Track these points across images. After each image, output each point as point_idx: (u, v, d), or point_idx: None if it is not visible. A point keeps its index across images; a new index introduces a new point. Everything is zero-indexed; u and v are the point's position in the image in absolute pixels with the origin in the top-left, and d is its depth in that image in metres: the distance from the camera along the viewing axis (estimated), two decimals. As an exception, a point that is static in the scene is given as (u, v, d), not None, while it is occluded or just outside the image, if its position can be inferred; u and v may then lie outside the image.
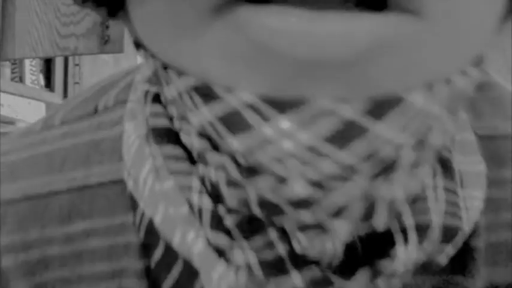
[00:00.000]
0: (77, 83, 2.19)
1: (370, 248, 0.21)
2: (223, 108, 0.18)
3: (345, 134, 0.18)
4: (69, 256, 0.25)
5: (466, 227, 0.22)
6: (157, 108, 0.23)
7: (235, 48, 0.17)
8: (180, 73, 0.19)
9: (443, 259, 0.22)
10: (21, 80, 1.99)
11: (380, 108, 0.18)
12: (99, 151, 0.26)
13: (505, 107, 0.28)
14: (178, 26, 0.18)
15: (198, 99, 0.19)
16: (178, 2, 0.18)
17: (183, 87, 0.19)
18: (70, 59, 2.18)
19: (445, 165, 0.23)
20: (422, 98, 0.18)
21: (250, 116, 0.18)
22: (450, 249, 0.22)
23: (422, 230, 0.21)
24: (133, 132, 0.24)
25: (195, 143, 0.21)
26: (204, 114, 0.19)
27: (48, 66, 2.12)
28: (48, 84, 2.11)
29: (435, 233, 0.22)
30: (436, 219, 0.22)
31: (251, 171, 0.20)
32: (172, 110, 0.22)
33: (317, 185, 0.19)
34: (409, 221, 0.21)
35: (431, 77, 0.19)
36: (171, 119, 0.23)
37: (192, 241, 0.21)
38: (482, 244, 0.24)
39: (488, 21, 0.19)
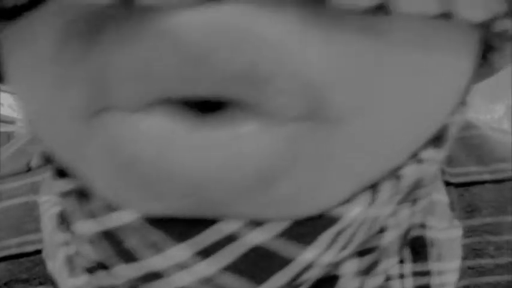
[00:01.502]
0: (77, 82, 2.18)
1: None
2: (103, 227, 0.16)
3: (261, 265, 0.15)
4: None
5: None
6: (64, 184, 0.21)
7: (112, 163, 0.14)
8: (61, 172, 0.17)
9: None
10: (21, 79, 1.98)
11: (308, 231, 0.15)
12: (33, 217, 0.25)
13: (479, 149, 0.27)
14: (57, 130, 0.15)
15: (78, 208, 0.16)
16: (54, 107, 0.15)
17: (65, 189, 0.17)
18: (70, 58, 2.17)
19: (416, 245, 0.22)
20: (360, 208, 0.16)
21: (135, 243, 0.15)
22: None
23: None
24: (47, 210, 0.22)
25: (88, 252, 0.18)
26: (86, 228, 0.16)
27: (48, 65, 2.11)
28: (48, 83, 2.10)
29: None
30: None
31: None
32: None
33: None
34: None
35: (361, 183, 0.16)
36: None
37: None
38: None
39: (442, 102, 0.16)
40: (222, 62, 0.12)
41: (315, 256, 0.15)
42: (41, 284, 0.24)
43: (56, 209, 0.21)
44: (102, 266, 0.18)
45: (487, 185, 0.26)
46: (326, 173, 0.15)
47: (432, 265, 0.22)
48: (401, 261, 0.21)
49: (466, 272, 0.24)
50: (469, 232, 0.25)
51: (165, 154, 0.13)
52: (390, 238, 0.19)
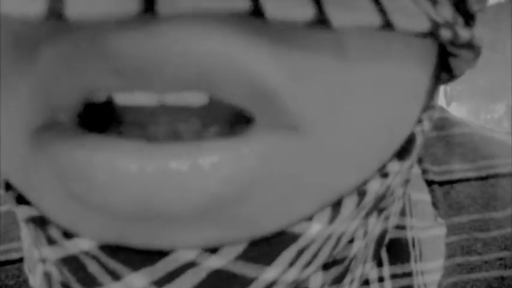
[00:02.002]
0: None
1: None
2: (64, 254, 0.15)
3: None
4: None
5: None
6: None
7: (62, 193, 0.14)
8: (19, 199, 0.17)
9: None
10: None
11: (268, 250, 0.15)
12: (17, 224, 0.25)
13: (462, 147, 0.27)
14: (5, 157, 0.15)
15: (41, 236, 0.16)
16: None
17: (23, 217, 0.17)
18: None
19: (394, 247, 0.22)
20: (321, 225, 0.15)
21: (95, 270, 0.15)
22: None
23: None
24: (23, 226, 0.22)
25: (54, 273, 0.18)
26: (47, 253, 0.16)
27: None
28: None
29: None
30: None
31: None
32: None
33: None
34: None
35: (325, 201, 0.15)
36: None
37: None
38: None
39: (399, 121, 0.16)
40: (169, 75, 0.11)
41: (277, 275, 0.15)
42: None
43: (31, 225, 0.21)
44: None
45: (472, 182, 0.26)
46: (292, 192, 0.14)
47: (414, 265, 0.22)
48: (380, 265, 0.21)
49: (454, 269, 0.24)
50: (456, 230, 0.25)
51: (117, 183, 0.12)
52: (357, 248, 0.18)
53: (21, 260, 0.25)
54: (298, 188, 0.14)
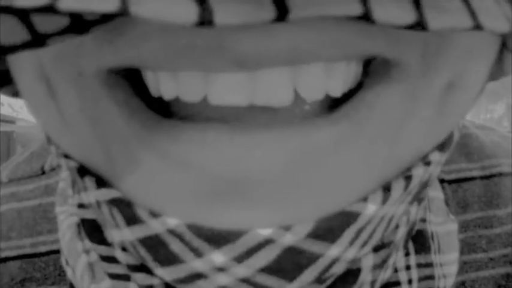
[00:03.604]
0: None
1: None
2: (147, 233, 0.17)
3: (292, 264, 0.16)
4: None
5: None
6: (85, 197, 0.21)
7: (158, 172, 0.16)
8: (100, 182, 0.18)
9: None
10: (21, 79, 1.99)
11: (333, 229, 0.16)
12: (47, 218, 0.26)
13: (468, 147, 0.28)
14: (98, 137, 0.16)
15: (119, 217, 0.17)
16: (98, 117, 0.16)
17: (102, 199, 0.18)
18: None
19: (419, 238, 0.22)
20: (375, 205, 0.17)
21: (178, 248, 0.16)
22: None
23: None
24: (64, 220, 0.23)
25: (119, 256, 0.19)
26: (125, 235, 0.17)
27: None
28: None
29: None
30: None
31: None
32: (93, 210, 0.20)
33: None
34: None
35: (379, 181, 0.17)
36: None
37: None
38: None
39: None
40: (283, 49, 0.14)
41: (339, 252, 0.17)
42: (53, 284, 0.25)
43: (73, 219, 0.22)
44: (136, 269, 0.19)
45: (476, 181, 0.27)
46: (352, 167, 0.16)
47: (434, 257, 0.23)
48: (407, 254, 0.22)
49: (462, 267, 0.25)
50: (462, 227, 0.26)
51: (225, 161, 0.15)
52: (401, 234, 0.19)
53: (48, 253, 0.25)
54: (361, 163, 0.16)
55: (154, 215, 0.16)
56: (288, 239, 0.16)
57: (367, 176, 0.16)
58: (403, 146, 0.17)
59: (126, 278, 0.20)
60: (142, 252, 0.17)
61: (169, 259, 0.17)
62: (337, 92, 0.16)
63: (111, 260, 0.20)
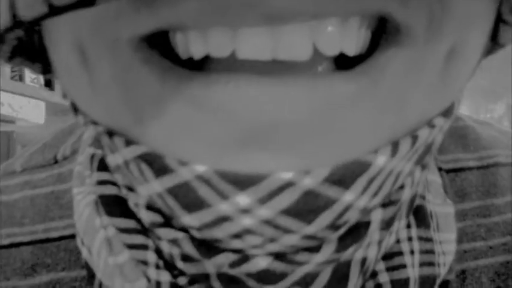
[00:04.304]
0: (77, 82, 2.18)
1: None
2: (176, 182, 0.18)
3: (311, 207, 0.17)
4: None
5: (442, 271, 0.23)
6: (104, 175, 0.23)
7: (190, 120, 0.17)
8: (128, 142, 0.19)
9: None
10: (20, 78, 1.99)
11: (347, 176, 0.17)
12: (59, 204, 0.27)
13: (465, 138, 0.29)
14: (128, 101, 0.18)
15: (147, 171, 0.18)
16: (129, 83, 0.17)
17: (131, 156, 0.18)
18: (70, 58, 2.17)
19: (419, 213, 0.23)
20: (385, 157, 0.18)
21: (205, 192, 0.17)
22: None
23: (399, 286, 0.22)
24: (82, 200, 0.23)
25: (143, 216, 0.20)
26: (153, 187, 0.18)
27: (48, 65, 2.11)
28: (48, 83, 2.11)
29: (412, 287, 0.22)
30: (413, 273, 0.22)
31: (208, 247, 0.19)
32: (118, 178, 0.21)
33: (283, 258, 0.19)
34: (384, 279, 0.21)
35: (394, 136, 0.18)
36: (118, 185, 0.22)
37: None
38: (453, 276, 0.25)
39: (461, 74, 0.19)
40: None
41: (352, 199, 0.18)
42: (64, 269, 0.25)
43: (91, 197, 0.23)
44: (159, 226, 0.20)
45: (473, 171, 0.28)
46: (367, 120, 0.17)
47: (433, 234, 0.23)
48: (408, 226, 0.23)
49: (462, 256, 0.25)
50: (461, 216, 0.26)
51: (254, 108, 0.16)
52: (407, 195, 0.20)
53: (59, 239, 0.26)
54: (377, 118, 0.17)
55: (182, 163, 0.17)
56: (307, 182, 0.17)
57: (380, 130, 0.18)
58: (410, 109, 0.18)
59: (144, 247, 0.21)
60: (170, 201, 0.18)
61: (196, 204, 0.17)
62: (350, 51, 0.18)
63: (129, 231, 0.21)
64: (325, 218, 0.18)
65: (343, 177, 0.17)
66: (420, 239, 0.23)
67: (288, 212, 0.17)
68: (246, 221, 0.17)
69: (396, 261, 0.22)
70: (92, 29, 0.17)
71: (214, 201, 0.17)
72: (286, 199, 0.17)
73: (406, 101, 0.18)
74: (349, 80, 0.17)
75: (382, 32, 0.18)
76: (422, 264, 0.22)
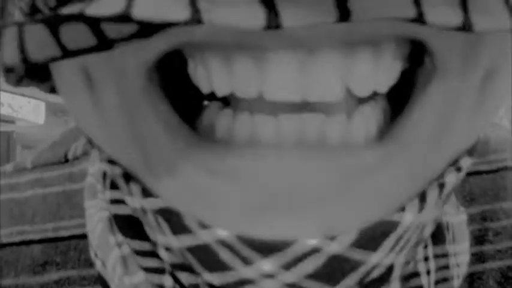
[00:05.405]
0: (77, 82, 2.18)
1: None
2: (196, 243, 0.17)
3: (337, 270, 0.17)
4: None
5: (456, 283, 0.23)
6: (117, 194, 0.22)
7: (206, 187, 0.16)
8: (145, 191, 0.18)
9: None
10: (21, 79, 1.99)
11: (374, 238, 0.17)
12: (70, 204, 0.27)
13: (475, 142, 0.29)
14: (136, 139, 0.17)
15: (165, 226, 0.18)
16: (137, 121, 0.17)
17: (148, 208, 0.18)
18: (70, 58, 2.17)
19: (436, 230, 0.23)
20: (413, 214, 0.18)
21: (227, 257, 0.17)
22: None
23: None
24: (95, 214, 0.23)
25: (161, 254, 0.20)
26: (171, 242, 0.18)
27: (48, 65, 2.12)
28: (48, 83, 2.11)
29: None
30: None
31: None
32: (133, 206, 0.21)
33: None
34: None
35: (422, 189, 0.18)
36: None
37: None
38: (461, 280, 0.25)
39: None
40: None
41: (380, 259, 0.17)
42: (73, 268, 0.25)
43: (105, 214, 0.22)
44: (180, 268, 0.19)
45: (483, 175, 0.27)
46: (395, 181, 0.17)
47: (449, 247, 0.23)
48: (425, 246, 0.23)
49: (470, 259, 0.25)
50: (469, 220, 0.26)
51: (274, 176, 0.16)
52: (428, 232, 0.20)
53: (69, 238, 0.26)
54: (404, 175, 0.17)
55: (203, 225, 0.17)
56: (334, 248, 0.17)
57: (408, 187, 0.17)
58: (442, 156, 0.18)
59: (160, 271, 0.21)
60: (190, 257, 0.18)
61: (217, 266, 0.17)
62: (383, 88, 0.17)
63: (145, 254, 0.21)
64: (351, 279, 0.17)
65: (371, 240, 0.17)
66: (436, 256, 0.23)
67: (313, 276, 0.17)
68: (269, 285, 0.17)
69: (413, 282, 0.22)
70: (99, 55, 0.16)
71: (237, 266, 0.17)
72: (312, 264, 0.17)
73: (438, 147, 0.17)
74: (380, 147, 0.16)
75: (416, 67, 0.17)
76: (437, 282, 0.22)
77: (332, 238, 0.17)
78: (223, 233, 0.17)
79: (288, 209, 0.16)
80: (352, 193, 0.16)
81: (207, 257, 0.17)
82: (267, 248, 0.16)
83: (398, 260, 0.19)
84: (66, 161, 0.28)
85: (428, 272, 0.22)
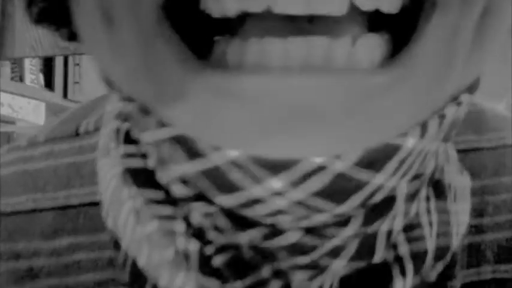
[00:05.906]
0: (77, 82, 2.19)
1: (366, 282, 0.21)
2: (208, 165, 0.18)
3: (342, 189, 0.18)
4: (55, 268, 0.26)
5: (455, 242, 0.23)
6: (131, 148, 0.23)
7: (216, 108, 0.17)
8: (161, 123, 0.19)
9: (433, 276, 0.23)
10: (21, 79, 1.99)
11: (378, 159, 0.18)
12: (79, 174, 0.27)
13: (476, 120, 0.29)
14: (149, 71, 0.18)
15: (179, 153, 0.19)
16: (150, 52, 0.17)
17: (163, 137, 0.19)
18: (70, 58, 2.17)
19: (438, 186, 0.23)
20: (415, 139, 0.18)
21: (238, 177, 0.18)
22: (440, 266, 0.23)
23: (418, 257, 0.22)
24: (108, 171, 0.24)
25: (175, 189, 0.20)
26: (185, 168, 0.19)
27: (48, 65, 2.12)
28: (48, 83, 2.11)
29: (430, 259, 0.22)
30: (431, 245, 0.22)
31: (241, 221, 0.19)
32: (147, 151, 0.22)
33: (313, 233, 0.19)
34: (404, 251, 0.22)
35: (425, 116, 0.18)
36: (144, 155, 0.23)
37: (181, 286, 0.21)
38: (460, 248, 0.25)
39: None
40: None
41: (383, 181, 0.18)
42: (83, 234, 0.26)
43: (118, 169, 0.23)
44: (194, 199, 0.20)
45: (483, 151, 0.28)
46: (399, 106, 0.17)
47: (450, 205, 0.24)
48: (428, 199, 0.23)
49: (469, 230, 0.25)
50: (470, 194, 0.26)
51: (290, 95, 0.16)
52: (430, 168, 0.21)
53: (80, 205, 0.27)
54: (409, 100, 0.17)
55: (215, 148, 0.17)
56: (339, 166, 0.17)
57: (412, 113, 0.18)
58: (444, 87, 0.18)
59: (172, 218, 0.21)
60: (203, 182, 0.18)
61: (229, 187, 0.18)
62: (386, 6, 0.17)
63: (158, 202, 0.21)
64: (356, 199, 0.18)
65: (374, 161, 0.18)
66: (438, 211, 0.23)
67: (320, 194, 0.18)
68: (279, 203, 0.18)
69: (416, 233, 0.22)
70: None
71: (247, 185, 0.18)
72: (318, 182, 0.18)
73: (441, 79, 0.18)
74: (387, 72, 0.17)
75: (417, 3, 0.18)
76: (438, 235, 0.23)
77: (337, 157, 0.17)
78: (234, 154, 0.17)
79: (295, 128, 0.16)
80: (358, 114, 0.16)
81: (219, 178, 0.18)
82: (275, 166, 0.17)
83: (400, 188, 0.20)
84: (77, 135, 0.29)
85: (430, 224, 0.23)
